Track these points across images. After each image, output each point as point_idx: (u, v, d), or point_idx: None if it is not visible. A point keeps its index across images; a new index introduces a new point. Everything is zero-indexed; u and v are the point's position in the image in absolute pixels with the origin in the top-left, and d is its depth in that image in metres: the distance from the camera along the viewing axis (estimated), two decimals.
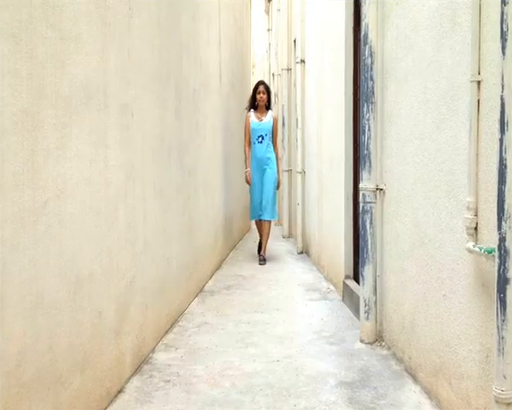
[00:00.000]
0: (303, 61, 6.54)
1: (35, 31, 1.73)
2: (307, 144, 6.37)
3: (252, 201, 6.00)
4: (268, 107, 5.99)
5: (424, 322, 2.52)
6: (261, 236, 5.99)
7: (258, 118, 5.92)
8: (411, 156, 2.67)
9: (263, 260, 5.75)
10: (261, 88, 5.98)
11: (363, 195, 3.21)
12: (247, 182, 5.96)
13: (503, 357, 1.73)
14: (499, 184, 1.72)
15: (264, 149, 5.88)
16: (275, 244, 6.99)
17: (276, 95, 8.74)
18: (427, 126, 2.46)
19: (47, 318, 1.82)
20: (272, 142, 5.95)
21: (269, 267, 5.62)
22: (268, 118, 5.93)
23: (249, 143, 5.97)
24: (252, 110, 5.97)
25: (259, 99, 5.92)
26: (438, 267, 2.35)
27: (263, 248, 5.91)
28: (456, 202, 2.15)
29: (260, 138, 5.86)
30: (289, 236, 7.87)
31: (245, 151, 6.00)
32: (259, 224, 5.99)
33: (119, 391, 2.50)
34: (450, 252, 2.22)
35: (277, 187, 6.00)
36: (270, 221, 5.94)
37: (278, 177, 6.03)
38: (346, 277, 4.23)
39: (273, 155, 5.93)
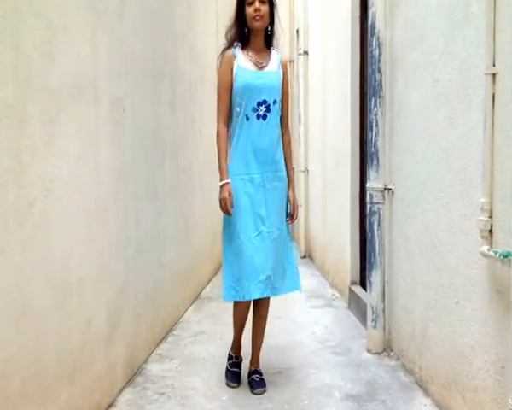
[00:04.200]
0: (306, 53, 6.56)
1: (20, 20, 1.73)
2: (310, 141, 6.37)
3: (232, 256, 2.72)
4: (269, 42, 2.82)
5: (435, 331, 2.53)
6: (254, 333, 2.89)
7: (255, 61, 2.75)
8: (422, 154, 2.68)
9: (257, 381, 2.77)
10: None
11: (371, 195, 3.22)
12: (225, 210, 2.68)
13: None
14: None
15: (269, 135, 2.73)
16: None
17: None
18: (438, 122, 2.46)
19: (34, 325, 1.82)
20: (282, 119, 2.84)
21: None
22: (274, 63, 2.79)
23: (227, 121, 2.77)
24: (237, 47, 2.76)
25: (254, 17, 2.67)
26: (450, 272, 2.35)
27: (254, 358, 2.88)
28: (470, 202, 2.15)
29: (263, 108, 2.71)
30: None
31: (217, 141, 2.74)
32: (244, 307, 2.77)
33: (110, 405, 2.50)
34: (463, 256, 2.22)
35: (290, 218, 2.99)
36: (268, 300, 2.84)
37: (292, 197, 2.90)
38: (352, 282, 4.23)
39: (281, 153, 2.82)
